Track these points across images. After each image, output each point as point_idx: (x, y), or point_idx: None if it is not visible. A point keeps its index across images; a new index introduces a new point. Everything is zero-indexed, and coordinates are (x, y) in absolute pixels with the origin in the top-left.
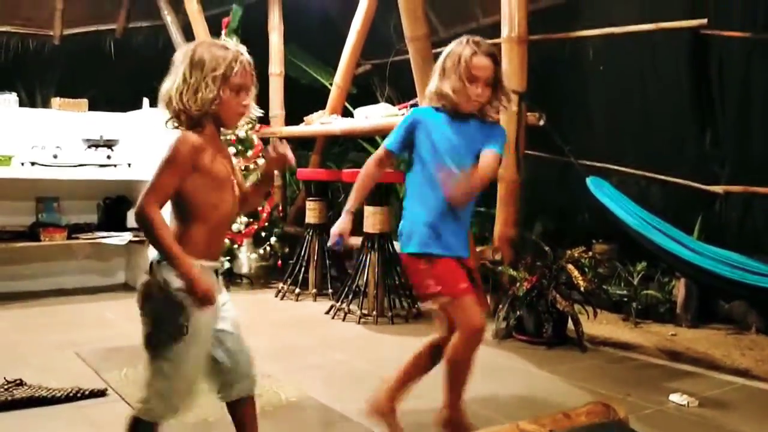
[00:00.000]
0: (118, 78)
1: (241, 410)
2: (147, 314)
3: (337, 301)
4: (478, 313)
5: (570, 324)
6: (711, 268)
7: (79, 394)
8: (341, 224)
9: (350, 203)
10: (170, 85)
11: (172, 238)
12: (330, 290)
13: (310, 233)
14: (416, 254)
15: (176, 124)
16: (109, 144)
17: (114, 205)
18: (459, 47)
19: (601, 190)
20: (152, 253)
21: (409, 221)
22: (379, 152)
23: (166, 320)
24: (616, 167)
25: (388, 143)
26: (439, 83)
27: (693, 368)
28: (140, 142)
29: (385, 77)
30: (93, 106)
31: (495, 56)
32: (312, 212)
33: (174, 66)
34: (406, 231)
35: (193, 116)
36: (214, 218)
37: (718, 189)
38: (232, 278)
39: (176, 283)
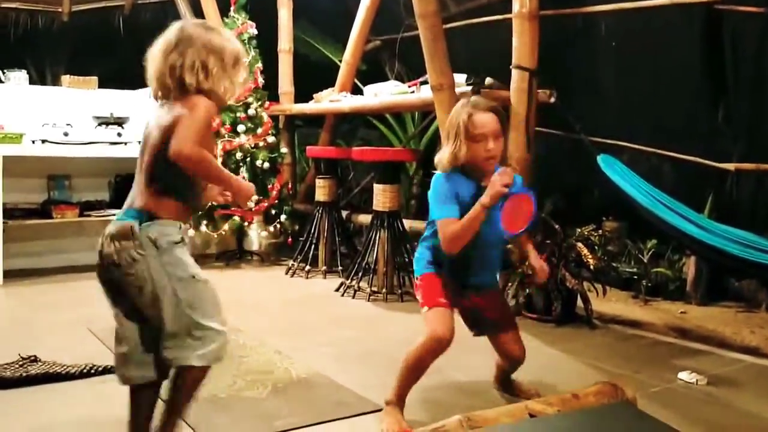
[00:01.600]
0: (127, 55)
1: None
2: (139, 276)
3: (347, 279)
4: (445, 325)
5: (579, 302)
6: (721, 247)
7: (92, 370)
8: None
9: (480, 203)
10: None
11: None
12: (340, 267)
13: (320, 211)
14: (417, 276)
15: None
16: (120, 122)
17: (125, 182)
18: (456, 113)
19: (611, 167)
20: (108, 228)
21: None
22: (446, 224)
23: (175, 272)
24: (627, 144)
25: (450, 214)
26: (450, 149)
27: (702, 346)
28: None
29: (395, 54)
30: (103, 84)
31: (495, 109)
32: (321, 190)
33: (181, 43)
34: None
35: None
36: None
37: (730, 166)
38: (242, 255)
39: (175, 236)
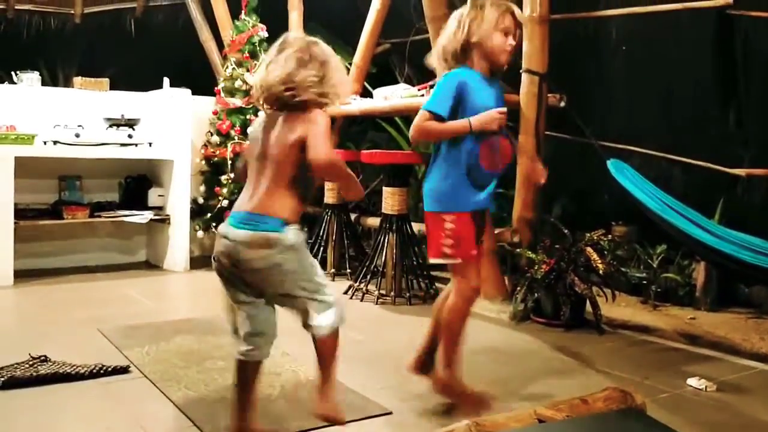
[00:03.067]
0: (139, 57)
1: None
2: (290, 266)
3: (356, 281)
4: (477, 276)
5: (588, 307)
6: (731, 253)
7: (102, 371)
8: (485, 115)
9: (461, 123)
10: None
11: None
12: (348, 270)
13: (329, 213)
14: (441, 212)
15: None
16: (131, 123)
17: (135, 183)
18: (487, 6)
19: (621, 173)
20: (240, 233)
21: (444, 182)
22: (425, 117)
23: (308, 263)
24: (637, 149)
25: (436, 108)
26: (475, 37)
27: (712, 352)
28: (161, 121)
29: (405, 57)
30: (114, 85)
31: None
32: (331, 192)
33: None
34: (438, 190)
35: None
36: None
37: (741, 172)
38: None
39: (302, 236)
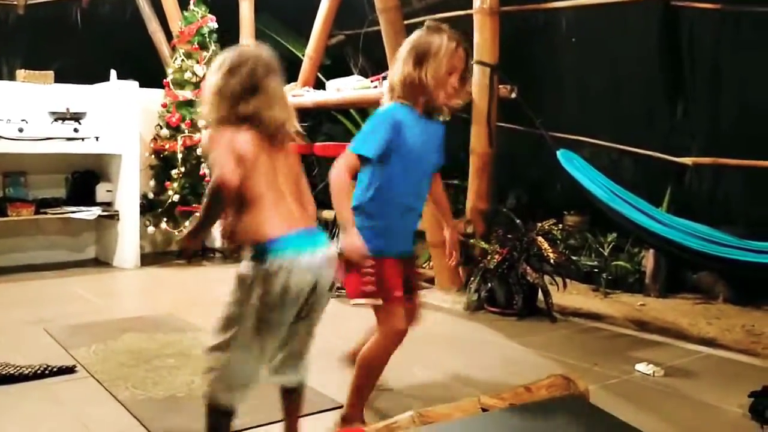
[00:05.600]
0: (85, 49)
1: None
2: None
3: None
4: (403, 318)
5: (540, 295)
6: (678, 240)
7: (47, 371)
8: (357, 240)
9: (348, 220)
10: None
11: None
12: None
13: None
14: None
15: None
16: (77, 117)
17: (82, 179)
18: (436, 37)
19: (571, 162)
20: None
21: (363, 219)
22: (350, 161)
23: None
24: (588, 139)
25: (365, 150)
26: (414, 72)
27: (660, 338)
28: (108, 115)
29: (359, 48)
30: (59, 78)
31: (468, 49)
32: None
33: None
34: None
35: None
36: None
37: (687, 161)
38: (204, 253)
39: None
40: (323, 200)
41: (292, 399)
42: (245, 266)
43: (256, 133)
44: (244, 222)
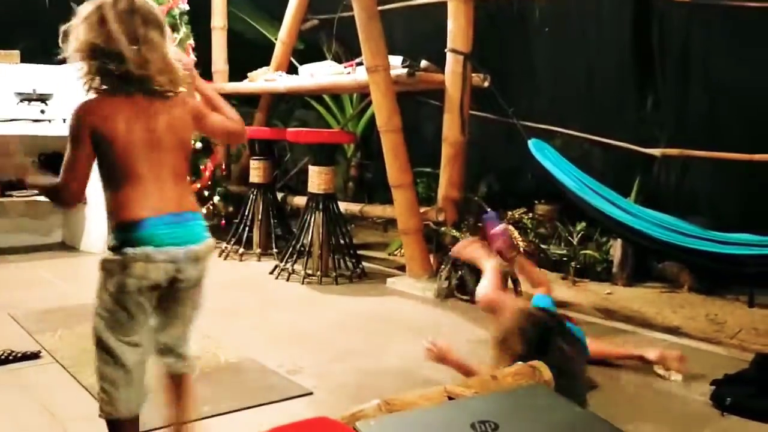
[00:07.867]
0: (53, 28)
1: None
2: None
3: (282, 261)
4: None
5: (510, 283)
6: (645, 230)
7: (11, 357)
8: None
9: None
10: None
11: None
12: (275, 250)
13: (255, 192)
14: None
15: None
16: (43, 98)
17: (49, 161)
18: None
19: (541, 152)
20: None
21: None
22: None
23: None
24: (559, 129)
25: None
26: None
27: (626, 326)
28: (76, 96)
29: (333, 33)
30: (26, 58)
31: None
32: (256, 171)
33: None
34: None
35: None
36: None
37: (656, 152)
38: None
39: None
40: (295, 187)
41: (176, 386)
42: (105, 253)
43: (127, 99)
44: (107, 199)
